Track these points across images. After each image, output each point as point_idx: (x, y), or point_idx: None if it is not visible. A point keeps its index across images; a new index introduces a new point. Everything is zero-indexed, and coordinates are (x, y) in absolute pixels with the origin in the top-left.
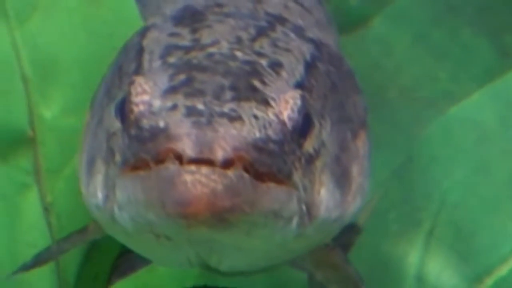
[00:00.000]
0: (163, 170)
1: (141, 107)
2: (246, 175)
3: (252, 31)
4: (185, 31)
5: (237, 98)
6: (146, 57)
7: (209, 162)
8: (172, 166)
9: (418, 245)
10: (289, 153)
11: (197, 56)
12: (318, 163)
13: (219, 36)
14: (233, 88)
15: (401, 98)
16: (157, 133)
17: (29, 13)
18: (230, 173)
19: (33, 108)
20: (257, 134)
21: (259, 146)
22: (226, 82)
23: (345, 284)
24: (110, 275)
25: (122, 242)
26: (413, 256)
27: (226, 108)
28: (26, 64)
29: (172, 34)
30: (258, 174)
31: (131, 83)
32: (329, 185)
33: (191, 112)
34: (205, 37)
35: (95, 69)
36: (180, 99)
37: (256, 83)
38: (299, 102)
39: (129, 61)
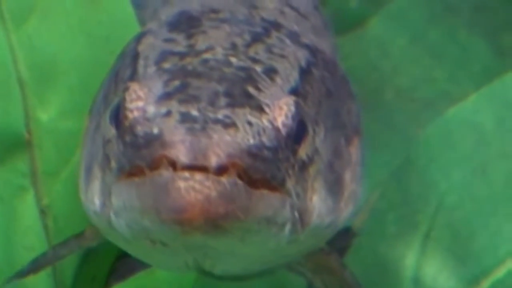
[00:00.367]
0: (157, 177)
1: (136, 113)
2: (240, 182)
3: (247, 37)
4: (180, 37)
5: (232, 105)
6: (141, 62)
7: (203, 169)
8: (166, 173)
9: (415, 247)
10: (283, 159)
11: (192, 62)
12: (312, 170)
13: (214, 42)
14: (227, 94)
15: (398, 99)
16: (151, 140)
17: (26, 16)
18: (224, 179)
19: (29, 111)
20: (251, 141)
21: (253, 153)
22: (220, 88)
23: None
24: (108, 278)
25: (121, 247)
26: (410, 258)
27: (220, 115)
28: (22, 67)
29: (167, 40)
30: (252, 180)
31: (126, 89)
32: (322, 192)
33: (185, 118)
34: (200, 43)
35: (92, 72)
36: (174, 105)
37: (251, 90)
38: (293, 108)
39: (125, 67)
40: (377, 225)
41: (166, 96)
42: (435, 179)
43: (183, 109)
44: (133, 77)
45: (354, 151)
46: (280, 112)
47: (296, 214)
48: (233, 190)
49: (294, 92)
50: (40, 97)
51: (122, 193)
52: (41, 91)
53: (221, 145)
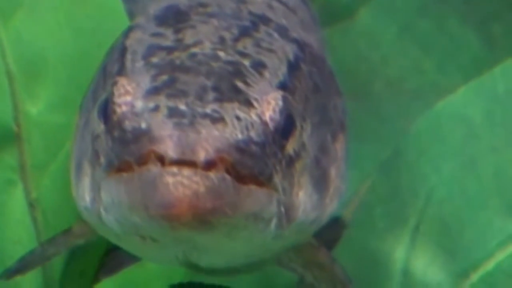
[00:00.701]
0: (145, 172)
1: (124, 108)
2: (228, 177)
3: (235, 31)
4: (168, 31)
5: (220, 99)
6: (128, 57)
7: (191, 164)
8: (154, 168)
9: (404, 241)
10: (270, 154)
11: (180, 57)
12: (298, 165)
13: (202, 37)
14: (215, 89)
15: (387, 90)
16: (139, 135)
17: (14, 10)
18: (212, 175)
19: (18, 104)
20: (240, 136)
21: (241, 148)
22: (209, 82)
23: (333, 284)
24: (96, 272)
25: (113, 242)
26: (399, 251)
27: (208, 109)
28: (11, 60)
29: (155, 34)
30: (240, 176)
31: (114, 83)
32: (308, 187)
33: (173, 113)
34: (188, 37)
35: (80, 65)
36: (162, 100)
37: (239, 84)
38: (281, 103)
39: (113, 61)
40: (367, 219)
41: (154, 91)
42: (424, 173)
43: (171, 103)
44: (121, 71)
45: (340, 147)
46: (268, 106)
47: (282, 209)
48: (221, 186)
49: (282, 86)
50: (29, 90)
51: (111, 189)
52: (30, 85)
53: (209, 140)
